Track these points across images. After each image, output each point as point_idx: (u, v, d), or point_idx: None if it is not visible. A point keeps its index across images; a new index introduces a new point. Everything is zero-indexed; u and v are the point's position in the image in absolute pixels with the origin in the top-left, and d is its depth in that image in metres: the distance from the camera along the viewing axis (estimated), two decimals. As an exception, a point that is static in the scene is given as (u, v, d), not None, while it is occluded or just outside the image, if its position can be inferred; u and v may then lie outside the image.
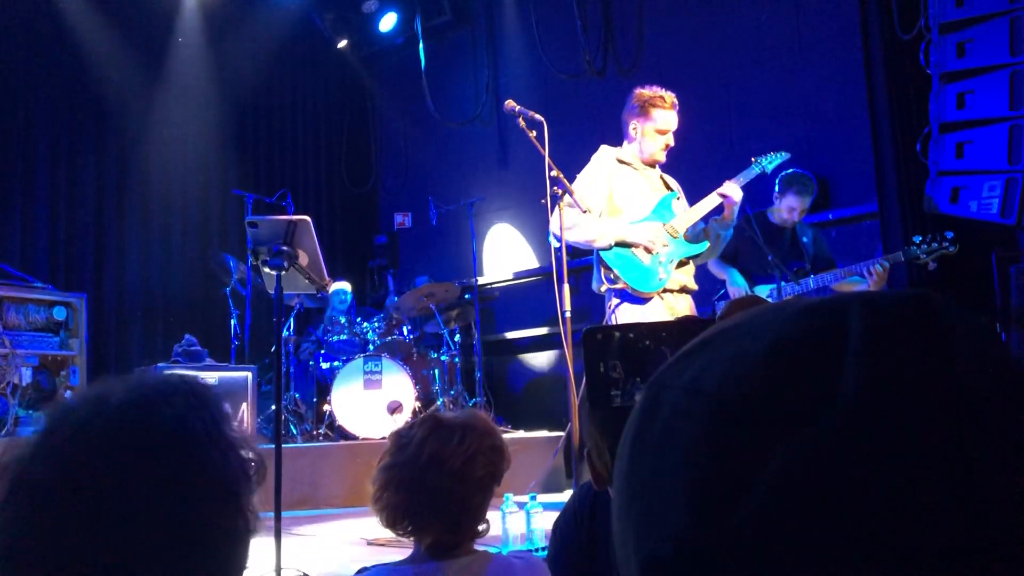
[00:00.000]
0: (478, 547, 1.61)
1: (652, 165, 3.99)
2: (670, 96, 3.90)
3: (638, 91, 3.96)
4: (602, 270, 3.79)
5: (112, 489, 0.73)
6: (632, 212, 3.86)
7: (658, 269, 3.74)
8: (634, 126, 3.94)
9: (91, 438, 0.75)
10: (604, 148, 4.01)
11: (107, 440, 0.75)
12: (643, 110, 3.90)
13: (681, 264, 3.85)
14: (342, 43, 8.55)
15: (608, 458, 0.94)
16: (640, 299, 3.73)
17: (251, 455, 0.83)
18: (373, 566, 1.62)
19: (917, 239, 4.08)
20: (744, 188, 3.90)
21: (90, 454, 0.74)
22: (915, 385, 0.35)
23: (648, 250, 3.74)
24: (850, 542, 0.33)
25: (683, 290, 3.85)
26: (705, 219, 3.91)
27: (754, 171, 4.02)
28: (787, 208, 4.70)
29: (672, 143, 3.94)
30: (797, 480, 0.34)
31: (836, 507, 0.33)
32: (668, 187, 4.05)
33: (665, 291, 3.77)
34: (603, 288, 3.80)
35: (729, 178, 3.91)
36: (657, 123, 3.88)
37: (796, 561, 0.34)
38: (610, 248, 3.73)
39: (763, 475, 0.34)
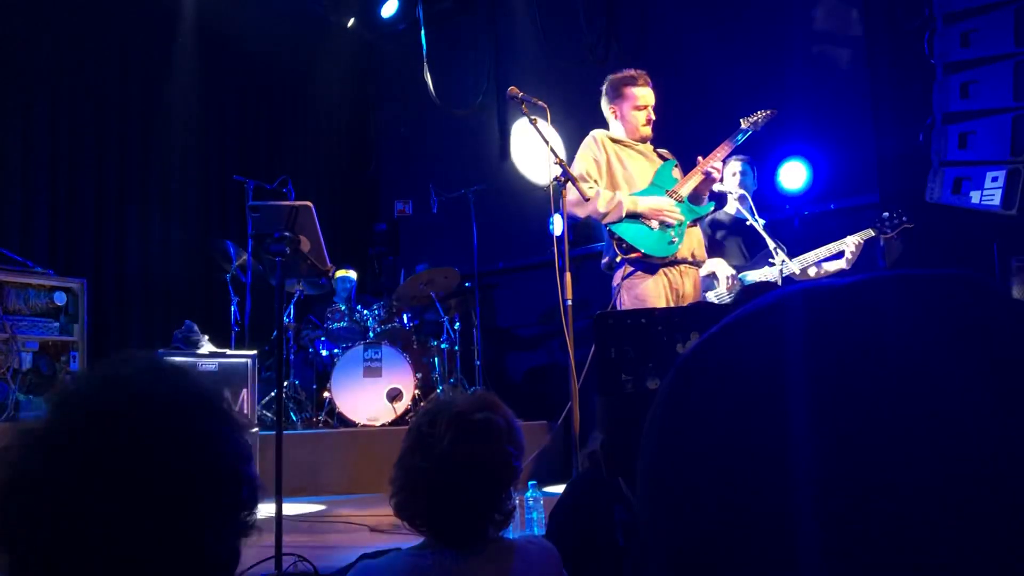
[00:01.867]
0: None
1: (643, 141, 4.10)
2: (640, 73, 4.07)
3: (609, 77, 4.14)
4: (613, 244, 3.85)
5: (127, 468, 0.77)
6: (633, 186, 3.96)
7: (669, 233, 3.81)
8: (613, 109, 4.10)
9: (109, 421, 0.79)
10: (595, 132, 4.12)
11: (123, 421, 0.79)
12: (617, 92, 4.07)
13: (690, 226, 3.94)
14: (350, 21, 8.50)
15: (618, 445, 0.93)
16: (654, 266, 3.79)
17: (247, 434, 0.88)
18: (386, 553, 1.59)
19: (878, 218, 4.42)
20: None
21: (107, 436, 0.78)
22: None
23: (663, 223, 3.81)
24: (874, 538, 0.32)
25: (692, 260, 3.92)
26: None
27: (746, 132, 4.11)
28: (729, 173, 4.75)
29: (653, 117, 4.07)
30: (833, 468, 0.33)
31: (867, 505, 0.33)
32: (664, 158, 4.15)
33: (676, 262, 3.82)
34: (618, 259, 3.86)
35: (726, 162, 4.00)
36: (633, 100, 4.03)
37: (831, 557, 0.33)
38: (620, 221, 3.78)
39: (800, 463, 0.34)
